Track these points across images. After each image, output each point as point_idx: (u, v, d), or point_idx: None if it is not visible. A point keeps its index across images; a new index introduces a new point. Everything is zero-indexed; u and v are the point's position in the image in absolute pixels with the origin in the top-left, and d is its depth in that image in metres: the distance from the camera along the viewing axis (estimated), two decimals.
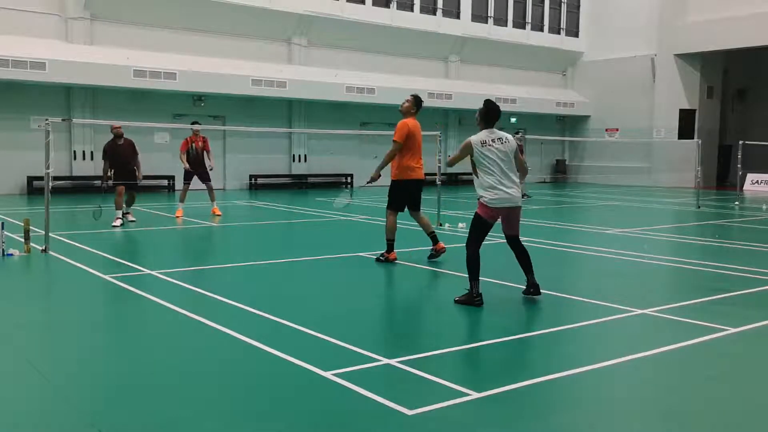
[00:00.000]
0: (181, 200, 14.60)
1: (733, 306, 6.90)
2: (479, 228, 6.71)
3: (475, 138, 6.70)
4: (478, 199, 6.68)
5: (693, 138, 25.51)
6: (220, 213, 14.76)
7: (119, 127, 12.95)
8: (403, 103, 9.05)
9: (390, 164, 8.92)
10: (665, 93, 28.93)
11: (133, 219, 13.30)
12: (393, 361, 4.86)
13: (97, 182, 21.04)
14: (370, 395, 4.21)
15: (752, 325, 6.03)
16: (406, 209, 9.14)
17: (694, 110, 28.76)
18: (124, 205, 13.06)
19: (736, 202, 20.57)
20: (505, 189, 6.57)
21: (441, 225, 12.71)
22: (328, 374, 4.57)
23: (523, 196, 23.00)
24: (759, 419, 4.11)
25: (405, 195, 8.95)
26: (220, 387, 4.46)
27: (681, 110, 28.78)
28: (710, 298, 7.20)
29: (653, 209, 18.57)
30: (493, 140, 6.66)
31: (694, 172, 19.55)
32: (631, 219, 15.86)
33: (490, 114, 6.75)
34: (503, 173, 6.60)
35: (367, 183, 9.12)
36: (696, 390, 4.59)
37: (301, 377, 4.58)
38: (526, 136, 21.78)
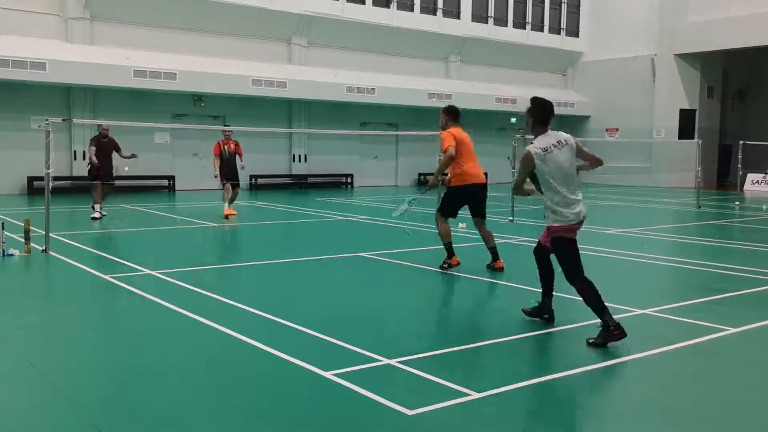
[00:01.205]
0: (225, 200, 14.56)
1: (733, 306, 6.90)
2: (573, 252, 5.54)
3: (534, 147, 5.51)
4: (553, 223, 5.52)
5: (693, 138, 25.52)
6: (234, 213, 14.78)
7: (107, 129, 13.86)
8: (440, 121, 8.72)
9: (450, 172, 8.51)
10: (665, 93, 28.92)
11: (105, 213, 13.90)
12: (393, 361, 4.86)
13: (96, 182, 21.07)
14: (370, 395, 4.21)
15: (752, 325, 6.03)
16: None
17: (694, 110, 28.75)
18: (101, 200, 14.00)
19: (736, 202, 20.57)
20: (580, 199, 5.51)
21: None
22: (328, 374, 4.57)
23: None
24: (759, 419, 4.11)
25: (459, 202, 8.54)
26: (220, 387, 4.46)
27: (681, 110, 28.77)
28: (710, 298, 7.20)
29: (653, 209, 18.57)
30: (554, 145, 5.51)
31: (694, 172, 19.55)
32: (631, 219, 15.86)
33: (546, 112, 5.64)
34: (573, 182, 5.53)
35: (426, 190, 8.88)
36: (696, 390, 4.59)
37: (301, 377, 4.58)
38: (527, 137, 21.76)
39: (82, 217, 14.08)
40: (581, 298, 5.52)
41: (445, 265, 8.55)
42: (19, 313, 6.35)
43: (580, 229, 5.58)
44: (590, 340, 5.39)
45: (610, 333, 5.29)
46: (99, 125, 14.10)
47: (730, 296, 7.26)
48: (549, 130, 5.64)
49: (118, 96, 21.15)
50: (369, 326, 5.99)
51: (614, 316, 5.38)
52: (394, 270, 8.71)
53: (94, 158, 13.57)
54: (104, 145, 13.80)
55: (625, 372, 4.85)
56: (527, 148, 5.59)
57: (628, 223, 14.70)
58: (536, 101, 5.70)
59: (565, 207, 5.46)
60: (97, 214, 13.58)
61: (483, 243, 8.69)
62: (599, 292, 5.42)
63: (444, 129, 8.52)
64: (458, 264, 8.55)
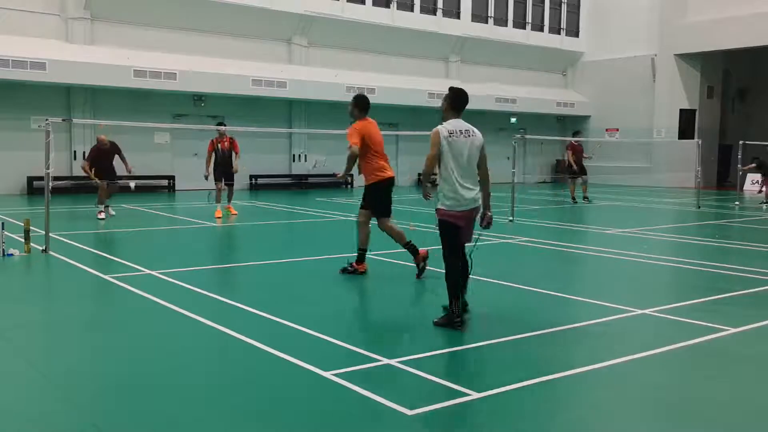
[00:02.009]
0: (217, 201, 14.45)
1: (733, 306, 6.90)
2: (451, 234, 5.91)
3: (442, 128, 5.92)
4: (440, 206, 5.92)
5: (693, 138, 25.50)
6: (235, 213, 14.83)
7: (105, 142, 13.88)
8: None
9: (363, 170, 8.25)
10: (665, 93, 28.91)
11: (113, 213, 13.96)
12: (393, 361, 4.86)
13: (96, 182, 21.03)
14: (370, 395, 4.21)
15: (752, 325, 6.04)
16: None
17: (695, 110, 28.74)
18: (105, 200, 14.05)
19: (736, 202, 20.57)
20: (467, 190, 5.86)
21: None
22: (328, 374, 4.57)
23: (584, 198, 21.58)
24: (759, 419, 4.11)
25: (384, 196, 8.30)
26: (220, 387, 4.46)
27: (681, 110, 28.76)
28: (710, 298, 7.20)
29: (653, 209, 18.57)
30: (461, 131, 5.93)
31: (694, 172, 19.55)
32: (631, 219, 15.85)
33: (459, 100, 6.07)
34: (468, 172, 5.90)
35: (336, 176, 8.61)
36: (696, 390, 4.59)
37: (301, 377, 4.58)
38: (527, 137, 21.74)
39: (82, 217, 14.08)
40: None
41: (350, 269, 8.21)
42: (19, 312, 6.36)
43: (470, 217, 5.94)
44: (435, 321, 5.88)
45: (452, 321, 5.76)
46: (98, 130, 14.22)
47: (730, 296, 7.26)
48: (461, 119, 6.03)
49: (118, 96, 21.14)
50: (369, 326, 5.99)
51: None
52: (394, 270, 8.70)
53: (87, 170, 13.74)
54: (103, 155, 13.78)
55: (625, 372, 4.85)
56: (436, 127, 5.93)
57: (628, 223, 14.70)
58: (453, 90, 6.15)
59: (452, 193, 5.83)
60: (102, 215, 13.54)
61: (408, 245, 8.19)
62: (459, 282, 5.83)
63: (353, 117, 8.24)
64: (365, 272, 8.22)
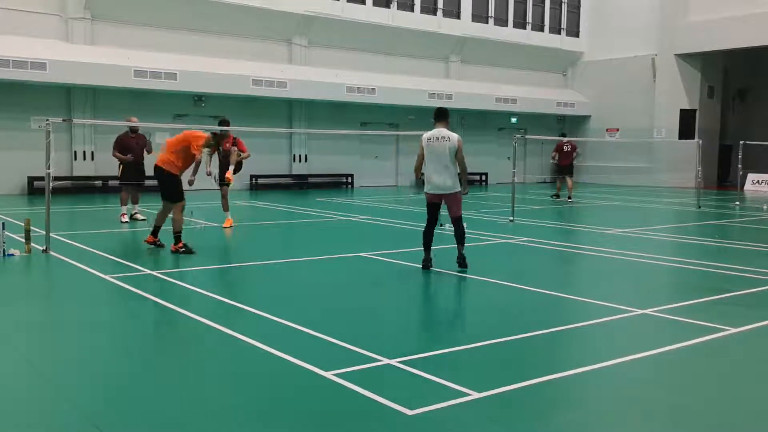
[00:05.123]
0: (225, 209, 12.98)
1: (733, 306, 6.90)
2: (428, 208, 8.54)
3: (425, 134, 8.38)
4: (424, 189, 8.48)
5: (693, 138, 25.49)
6: (229, 226, 12.89)
7: (135, 121, 13.31)
8: None
9: (169, 161, 10.00)
10: (665, 93, 28.90)
11: (143, 218, 13.47)
12: (393, 361, 4.86)
13: (98, 182, 21.05)
14: (370, 395, 4.22)
15: (752, 325, 6.04)
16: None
17: (695, 110, 28.74)
18: (130, 203, 13.49)
19: (737, 202, 20.57)
20: (437, 179, 8.25)
21: (442, 225, 12.68)
22: (328, 374, 4.57)
23: (568, 198, 21.99)
24: (759, 419, 4.11)
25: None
26: (220, 387, 4.46)
27: (681, 110, 28.75)
28: (710, 298, 7.21)
29: (654, 209, 18.57)
30: (437, 138, 8.22)
31: (694, 172, 19.54)
32: (631, 219, 15.86)
33: (437, 114, 8.41)
34: (438, 166, 8.21)
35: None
36: (696, 390, 4.59)
37: (301, 377, 4.58)
38: (527, 137, 21.74)
39: (82, 217, 14.07)
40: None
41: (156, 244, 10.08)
42: (19, 312, 6.36)
43: (447, 198, 8.37)
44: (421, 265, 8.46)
45: (425, 263, 8.45)
46: (131, 120, 13.36)
47: (731, 296, 7.26)
48: (442, 128, 8.31)
49: (118, 96, 21.14)
50: (369, 326, 6.00)
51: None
52: (394, 270, 8.71)
53: (119, 155, 13.05)
54: (131, 143, 13.18)
55: (626, 372, 4.85)
56: (423, 134, 8.46)
57: (628, 223, 14.70)
58: (437, 108, 8.54)
59: (428, 179, 8.37)
60: (125, 218, 13.12)
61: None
62: (430, 240, 8.54)
63: None
64: (150, 244, 10.09)
